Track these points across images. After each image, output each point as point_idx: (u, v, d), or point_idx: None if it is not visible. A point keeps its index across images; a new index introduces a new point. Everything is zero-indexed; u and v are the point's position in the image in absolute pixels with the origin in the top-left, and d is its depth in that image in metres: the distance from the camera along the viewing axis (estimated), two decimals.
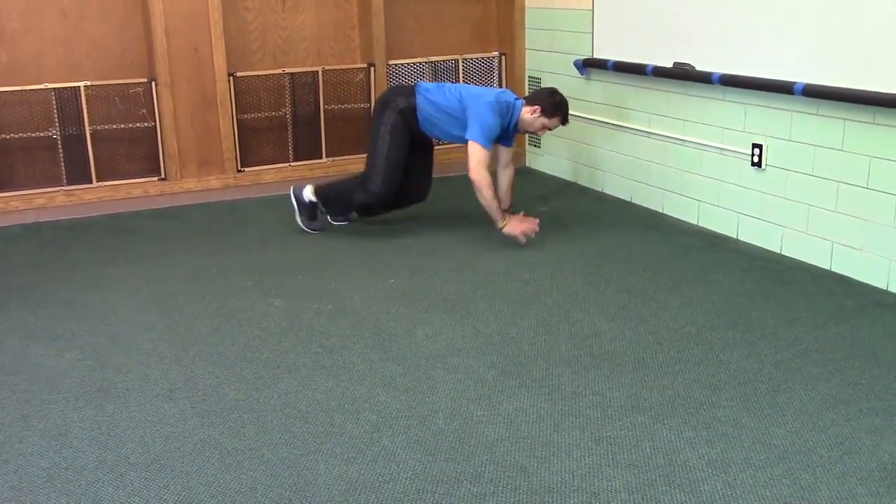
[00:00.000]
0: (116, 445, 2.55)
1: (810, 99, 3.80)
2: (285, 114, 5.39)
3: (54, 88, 4.85)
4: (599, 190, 5.30)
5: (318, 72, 5.38)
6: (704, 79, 4.31)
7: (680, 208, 4.69)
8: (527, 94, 5.73)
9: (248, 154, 5.35)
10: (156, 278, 3.94)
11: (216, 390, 2.88)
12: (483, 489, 2.30)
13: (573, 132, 5.20)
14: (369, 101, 5.48)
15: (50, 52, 4.90)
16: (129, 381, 2.96)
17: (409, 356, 3.11)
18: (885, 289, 3.62)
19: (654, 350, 3.12)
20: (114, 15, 5.00)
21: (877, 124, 3.57)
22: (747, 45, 4.08)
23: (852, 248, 3.76)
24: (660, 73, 4.60)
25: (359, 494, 2.29)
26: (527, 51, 5.81)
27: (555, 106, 4.27)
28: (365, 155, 4.51)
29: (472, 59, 5.79)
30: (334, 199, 4.53)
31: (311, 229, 4.51)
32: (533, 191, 5.30)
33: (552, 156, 5.75)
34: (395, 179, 4.32)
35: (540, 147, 5.84)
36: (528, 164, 6.00)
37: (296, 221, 4.53)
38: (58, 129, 4.90)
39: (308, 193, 4.48)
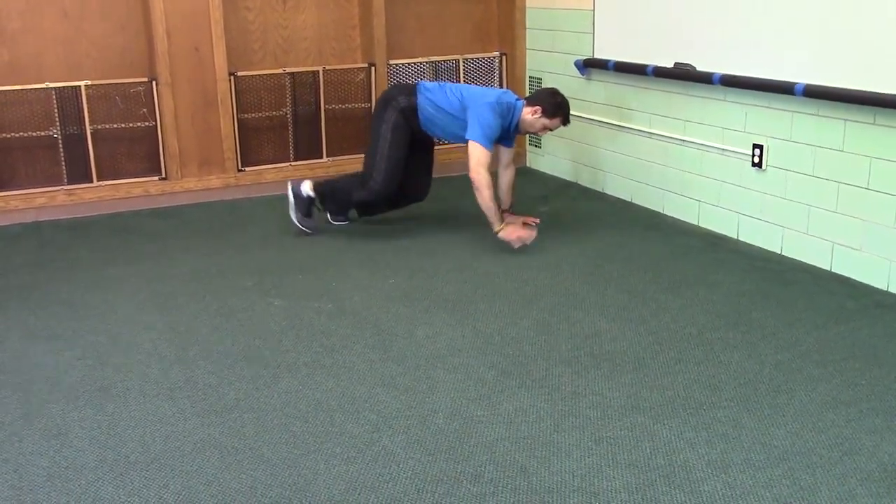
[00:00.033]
0: (116, 445, 2.56)
1: (811, 99, 3.80)
2: (286, 113, 5.39)
3: (55, 88, 4.85)
4: (600, 190, 5.30)
5: (318, 71, 5.38)
6: (705, 79, 4.31)
7: (680, 208, 4.69)
8: (527, 94, 5.74)
9: (249, 154, 5.35)
10: (156, 278, 3.94)
11: (216, 390, 2.88)
12: (483, 489, 2.30)
13: (574, 132, 5.20)
14: (370, 101, 5.48)
15: (51, 51, 4.90)
16: (129, 380, 2.96)
17: (410, 356, 3.11)
18: (886, 289, 3.62)
19: (654, 350, 3.12)
20: (114, 14, 5.00)
21: (877, 125, 3.57)
22: (748, 46, 4.08)
23: (853, 248, 3.76)
24: (661, 73, 4.60)
25: (359, 494, 2.29)
26: (527, 51, 5.81)
27: (556, 107, 4.26)
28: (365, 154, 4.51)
29: (472, 59, 5.79)
30: (332, 195, 4.51)
31: (305, 227, 4.46)
32: (533, 191, 5.30)
33: (553, 156, 5.75)
34: (396, 178, 4.32)
35: (540, 147, 5.84)
36: (528, 165, 6.00)
37: (290, 218, 4.48)
38: (58, 128, 4.90)
39: (306, 188, 4.45)
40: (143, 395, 2.86)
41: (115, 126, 5.04)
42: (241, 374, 2.99)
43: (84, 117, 4.92)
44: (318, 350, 3.17)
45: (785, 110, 3.97)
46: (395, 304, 3.58)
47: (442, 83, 4.34)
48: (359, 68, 5.50)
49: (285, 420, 2.68)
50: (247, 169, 5.33)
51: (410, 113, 4.27)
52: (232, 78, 5.17)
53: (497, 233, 4.11)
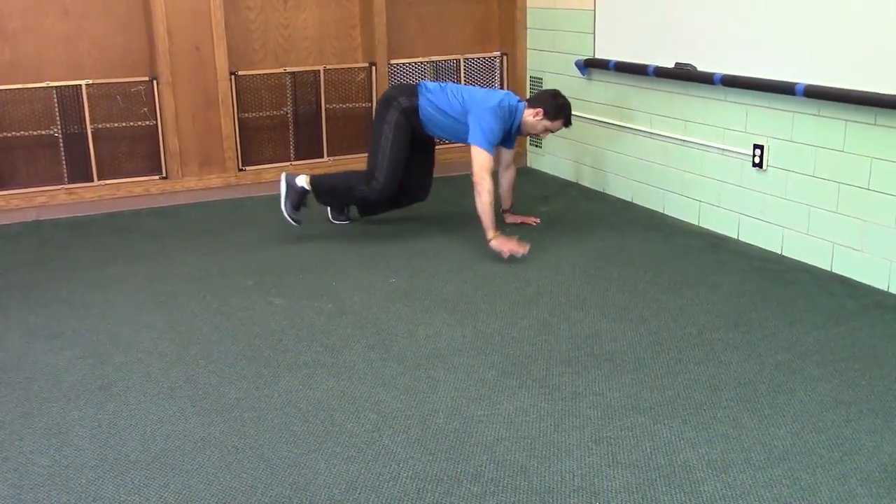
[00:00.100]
0: (117, 443, 2.56)
1: (811, 100, 3.80)
2: (287, 113, 5.39)
3: (56, 87, 4.86)
4: (600, 190, 5.30)
5: (319, 71, 5.38)
6: (706, 79, 4.31)
7: (681, 209, 4.69)
8: (528, 94, 5.74)
9: (250, 153, 5.35)
10: (156, 277, 3.94)
11: (217, 389, 2.88)
12: (483, 489, 2.30)
13: (574, 132, 5.20)
14: (371, 101, 5.48)
15: (51, 50, 4.90)
16: (129, 379, 2.96)
17: (410, 356, 3.11)
18: (886, 290, 3.62)
19: (654, 350, 3.12)
20: (115, 13, 5.00)
21: (878, 125, 3.57)
22: (749, 46, 4.08)
23: (853, 249, 3.76)
24: (661, 73, 4.60)
25: (359, 493, 2.29)
26: (528, 51, 5.81)
27: (557, 108, 4.25)
28: (366, 155, 4.51)
29: (473, 58, 5.79)
30: (330, 191, 4.46)
31: (293, 218, 4.38)
32: (534, 191, 5.30)
33: (553, 156, 5.75)
34: (398, 177, 4.31)
35: (541, 147, 5.84)
36: (529, 165, 6.00)
37: (281, 209, 4.39)
38: (59, 127, 4.91)
39: (301, 180, 4.38)
40: (143, 394, 2.86)
41: (116, 125, 5.04)
42: (242, 374, 2.99)
43: (85, 116, 4.93)
44: (319, 349, 3.17)
45: (786, 110, 3.98)
46: (396, 304, 3.58)
47: (443, 84, 4.33)
48: (360, 68, 5.50)
49: (286, 419, 2.68)
50: (247, 168, 5.33)
51: (412, 113, 4.27)
52: (233, 77, 5.17)
53: (490, 240, 4.09)
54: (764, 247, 4.19)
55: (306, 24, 5.44)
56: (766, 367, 2.96)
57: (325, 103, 5.43)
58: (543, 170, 5.88)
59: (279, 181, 4.44)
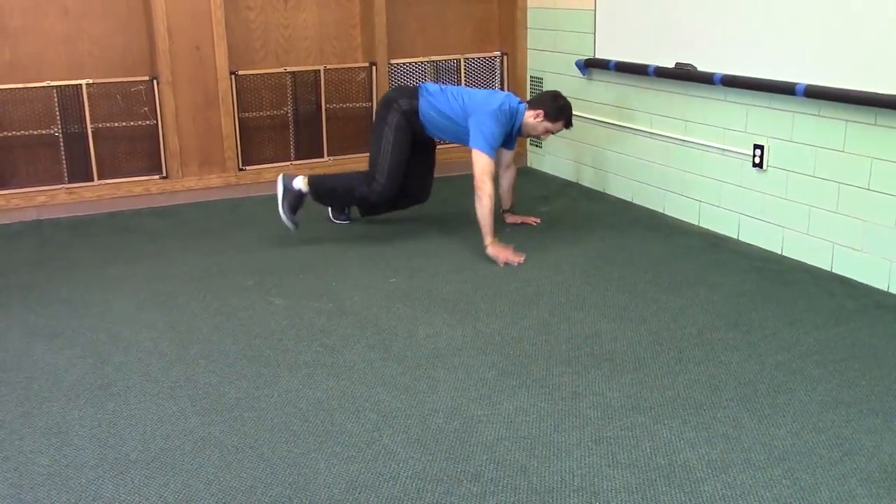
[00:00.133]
0: (117, 443, 2.56)
1: (812, 100, 3.80)
2: (287, 112, 5.39)
3: (56, 86, 4.86)
4: (601, 190, 5.30)
5: (319, 71, 5.38)
6: (706, 79, 4.31)
7: (681, 209, 4.69)
8: (529, 94, 5.75)
9: (250, 153, 5.35)
10: (156, 277, 3.94)
11: (217, 388, 2.88)
12: (483, 489, 2.30)
13: (575, 132, 5.19)
14: (371, 101, 5.48)
15: (52, 49, 4.90)
16: (129, 379, 2.96)
17: (410, 355, 3.11)
18: (886, 290, 3.62)
19: (654, 350, 3.12)
20: (116, 13, 5.00)
21: (878, 125, 3.57)
22: (749, 46, 4.08)
23: (853, 249, 3.76)
24: (662, 73, 4.60)
25: (359, 493, 2.29)
26: (529, 51, 5.81)
27: (558, 110, 4.24)
28: (366, 154, 4.50)
29: (473, 58, 5.79)
30: (329, 193, 4.44)
31: (291, 221, 4.33)
32: (534, 191, 5.31)
33: (553, 156, 5.75)
34: (398, 179, 4.30)
35: (541, 147, 5.84)
36: (529, 164, 6.00)
37: (278, 212, 4.33)
38: (59, 126, 4.91)
39: (299, 182, 4.34)
40: (143, 393, 2.86)
41: (116, 125, 5.04)
42: (242, 373, 2.99)
43: (85, 116, 4.93)
44: (319, 349, 3.17)
45: (786, 111, 3.98)
46: (396, 304, 3.58)
47: (444, 86, 4.31)
48: (360, 67, 5.50)
49: (286, 419, 2.68)
50: (247, 168, 5.33)
51: (412, 115, 4.26)
52: (233, 77, 5.17)
53: (487, 247, 4.08)
54: (764, 247, 4.19)
55: (307, 23, 5.44)
56: (766, 367, 2.96)
57: (326, 103, 5.43)
58: (544, 170, 5.88)
59: (276, 182, 4.38)
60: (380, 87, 5.45)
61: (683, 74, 4.46)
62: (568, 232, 4.50)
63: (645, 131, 4.87)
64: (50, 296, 3.73)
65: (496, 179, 4.26)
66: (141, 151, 5.13)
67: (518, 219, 4.64)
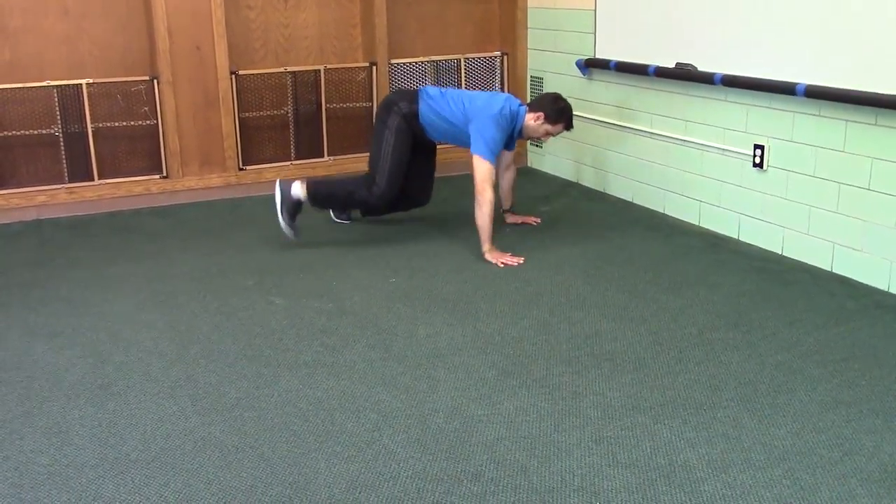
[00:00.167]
0: (117, 443, 2.56)
1: (812, 100, 3.80)
2: (287, 112, 5.39)
3: (56, 86, 4.86)
4: (601, 190, 5.30)
5: (320, 70, 5.38)
6: (706, 79, 4.31)
7: (681, 209, 4.69)
8: (529, 94, 5.75)
9: (250, 152, 5.35)
10: (156, 276, 3.94)
11: (217, 388, 2.88)
12: (483, 488, 2.30)
13: (575, 132, 5.18)
14: (371, 100, 5.48)
15: (52, 49, 4.90)
16: (129, 378, 2.96)
17: (410, 355, 3.11)
18: (886, 290, 3.62)
19: (654, 350, 3.12)
20: (116, 13, 5.00)
21: (878, 125, 3.57)
22: (749, 46, 4.08)
23: (853, 249, 3.76)
24: (662, 73, 4.60)
25: (359, 493, 2.29)
26: (529, 51, 5.81)
27: (558, 112, 4.23)
28: (366, 154, 4.49)
29: (474, 58, 5.79)
30: (328, 198, 4.42)
31: (291, 229, 4.27)
32: (534, 191, 5.31)
33: (554, 156, 5.75)
34: (398, 182, 4.29)
35: (541, 147, 5.84)
36: (529, 164, 6.00)
37: (278, 220, 4.26)
38: (60, 126, 4.91)
39: (297, 190, 4.27)
40: (143, 393, 2.86)
41: (117, 124, 5.04)
42: (242, 373, 2.99)
43: (85, 115, 4.93)
44: (319, 349, 3.17)
45: (786, 111, 3.98)
46: (396, 304, 3.58)
47: (444, 90, 4.29)
48: (360, 67, 5.50)
49: (286, 419, 2.68)
50: (248, 168, 5.33)
51: (412, 119, 4.24)
52: (233, 77, 5.17)
53: (485, 253, 4.07)
54: (764, 247, 4.19)
55: (307, 23, 5.44)
56: (767, 367, 2.96)
57: (326, 103, 5.43)
58: (544, 170, 5.88)
59: (274, 187, 4.29)
60: (380, 86, 5.45)
61: (684, 74, 4.46)
62: (568, 232, 4.50)
63: (645, 131, 4.87)
64: (50, 295, 3.73)
65: (496, 180, 4.26)
66: (141, 151, 5.13)
67: (518, 219, 4.64)
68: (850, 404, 2.71)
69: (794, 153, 3.97)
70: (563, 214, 4.84)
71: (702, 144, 4.49)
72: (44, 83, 4.83)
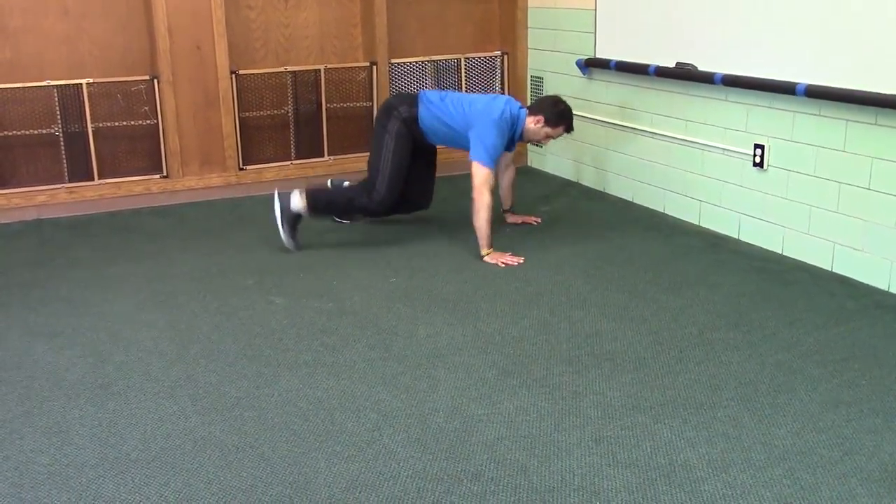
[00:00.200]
0: (117, 442, 2.56)
1: (812, 100, 3.80)
2: (287, 112, 5.39)
3: (56, 86, 4.86)
4: (601, 190, 5.30)
5: (320, 70, 5.38)
6: (707, 79, 4.31)
7: (681, 208, 4.69)
8: (529, 95, 5.75)
9: (250, 152, 5.35)
10: (157, 276, 3.94)
11: (217, 388, 2.88)
12: (483, 488, 2.30)
13: (575, 132, 5.18)
14: (371, 100, 5.48)
15: (52, 49, 4.90)
16: (129, 378, 2.96)
17: (410, 355, 3.11)
18: (887, 290, 3.62)
19: (654, 350, 3.12)
20: (116, 12, 5.00)
21: (878, 125, 3.57)
22: (749, 46, 4.08)
23: (853, 248, 3.76)
24: (662, 73, 4.60)
25: (359, 492, 2.29)
26: (529, 50, 5.81)
27: (558, 115, 4.22)
28: (366, 154, 4.48)
29: (474, 58, 5.79)
30: (328, 206, 4.38)
31: (292, 240, 4.21)
32: (535, 190, 5.30)
33: (554, 155, 5.75)
34: (399, 186, 4.27)
35: (542, 147, 5.84)
36: (529, 164, 6.00)
37: (279, 233, 4.20)
38: (60, 126, 4.91)
39: (297, 203, 4.19)
40: (143, 392, 2.86)
41: (117, 124, 5.04)
42: (242, 373, 2.99)
43: (85, 115, 4.93)
44: (319, 349, 3.17)
45: (786, 110, 3.97)
46: (396, 304, 3.58)
47: (444, 93, 4.27)
48: (360, 67, 5.50)
49: (286, 418, 2.68)
50: (248, 167, 5.33)
51: (412, 123, 4.23)
52: (233, 76, 5.17)
53: (483, 256, 4.07)
54: (764, 247, 4.19)
55: (307, 23, 5.44)
56: (767, 367, 2.96)
57: (326, 102, 5.43)
58: (544, 169, 5.88)
59: (273, 199, 4.23)
60: (380, 86, 5.45)
61: (684, 74, 4.46)
62: (568, 232, 4.50)
63: (645, 131, 4.87)
64: (50, 295, 3.73)
65: (496, 180, 4.26)
66: (141, 151, 5.13)
67: (518, 218, 4.64)
68: (851, 404, 2.71)
69: (795, 153, 3.97)
70: (563, 214, 4.84)
71: (702, 144, 4.49)
72: (44, 83, 4.83)
